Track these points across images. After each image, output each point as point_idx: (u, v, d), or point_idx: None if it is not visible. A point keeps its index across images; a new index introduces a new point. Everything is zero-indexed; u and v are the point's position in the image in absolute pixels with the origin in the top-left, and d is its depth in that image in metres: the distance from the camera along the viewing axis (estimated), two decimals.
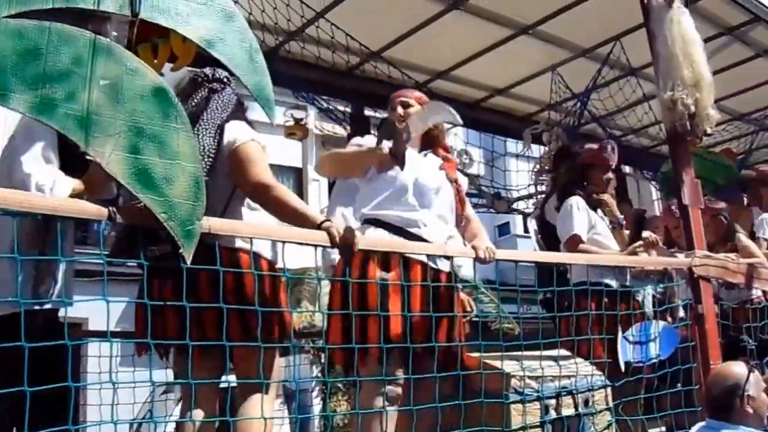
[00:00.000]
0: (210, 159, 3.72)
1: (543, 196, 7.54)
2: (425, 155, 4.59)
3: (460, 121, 4.54)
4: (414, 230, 4.26)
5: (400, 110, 4.41)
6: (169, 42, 3.95)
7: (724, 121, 8.18)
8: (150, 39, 3.81)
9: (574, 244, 5.76)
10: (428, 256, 4.20)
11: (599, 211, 5.97)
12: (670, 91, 5.56)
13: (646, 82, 7.95)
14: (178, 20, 3.12)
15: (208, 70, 4.02)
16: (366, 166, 4.34)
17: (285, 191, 3.79)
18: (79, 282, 3.99)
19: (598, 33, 7.51)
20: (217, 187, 3.68)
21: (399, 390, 4.00)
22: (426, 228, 4.29)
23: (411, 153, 4.48)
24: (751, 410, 4.19)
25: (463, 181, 4.75)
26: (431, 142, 4.66)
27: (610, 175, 6.03)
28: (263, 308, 3.50)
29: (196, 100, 3.90)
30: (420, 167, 4.42)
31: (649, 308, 6.08)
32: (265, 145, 3.94)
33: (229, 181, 3.81)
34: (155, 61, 3.96)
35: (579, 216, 5.87)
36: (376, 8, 6.64)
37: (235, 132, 3.86)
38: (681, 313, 6.64)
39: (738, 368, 4.36)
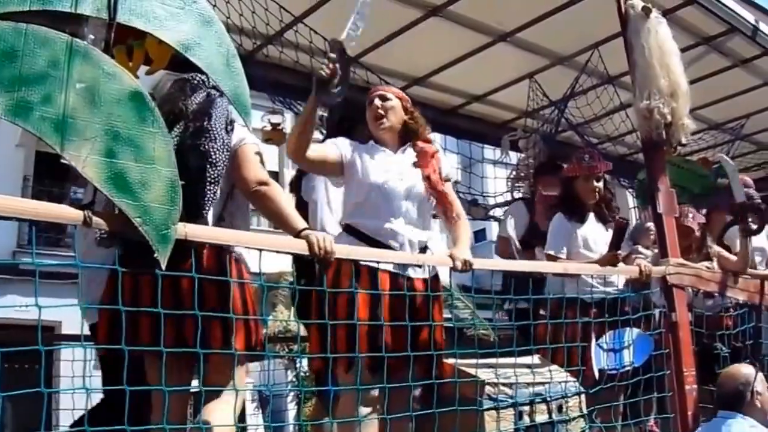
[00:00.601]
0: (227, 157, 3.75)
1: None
2: (404, 151, 4.61)
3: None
4: (381, 239, 4.31)
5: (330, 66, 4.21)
6: (144, 45, 3.92)
7: (701, 130, 8.22)
8: (125, 41, 3.79)
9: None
10: (400, 265, 4.22)
11: (592, 220, 6.00)
12: (646, 100, 5.59)
13: (623, 91, 7.97)
14: (156, 24, 3.11)
15: (202, 76, 4.00)
16: (311, 127, 4.34)
17: (280, 191, 3.83)
18: (53, 284, 3.98)
19: (576, 41, 7.52)
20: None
21: (376, 397, 4.01)
22: (395, 238, 4.31)
23: (383, 154, 4.50)
24: (759, 404, 4.82)
25: (445, 169, 4.75)
26: (410, 136, 4.68)
27: (595, 183, 6.01)
28: (226, 315, 3.50)
29: (197, 101, 3.86)
30: (390, 171, 4.46)
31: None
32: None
33: (227, 180, 3.81)
34: (130, 63, 3.93)
35: (556, 235, 5.96)
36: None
37: (241, 133, 3.87)
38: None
39: (747, 368, 5.06)
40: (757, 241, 6.91)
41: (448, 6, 6.75)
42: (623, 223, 5.87)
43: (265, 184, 3.76)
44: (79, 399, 3.43)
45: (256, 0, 6.20)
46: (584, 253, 5.83)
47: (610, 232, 5.74)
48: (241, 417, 3.96)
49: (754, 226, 6.47)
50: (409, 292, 4.19)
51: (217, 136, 3.71)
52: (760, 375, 4.98)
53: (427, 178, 4.53)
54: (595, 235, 5.95)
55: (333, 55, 4.13)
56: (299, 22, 6.61)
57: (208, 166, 3.61)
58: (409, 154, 4.63)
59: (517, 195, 8.30)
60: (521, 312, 5.48)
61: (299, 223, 3.73)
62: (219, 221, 3.79)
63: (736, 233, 6.67)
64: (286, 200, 3.89)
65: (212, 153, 3.64)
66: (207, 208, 3.58)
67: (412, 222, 4.44)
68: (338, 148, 4.55)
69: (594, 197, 6.01)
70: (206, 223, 3.57)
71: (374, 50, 7.25)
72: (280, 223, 3.78)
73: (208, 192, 3.59)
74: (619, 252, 5.70)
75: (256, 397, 12.00)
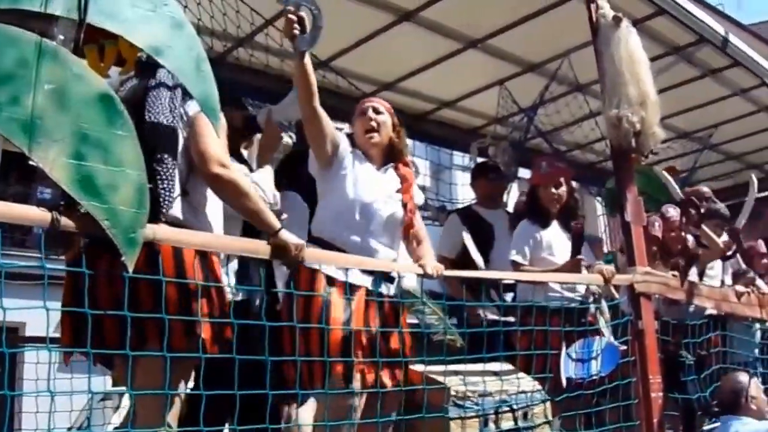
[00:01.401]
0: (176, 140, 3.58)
1: None
2: (386, 171, 4.59)
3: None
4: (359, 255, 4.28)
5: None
6: (116, 44, 3.88)
7: (669, 139, 8.24)
8: (97, 41, 3.75)
9: (514, 268, 5.89)
10: (373, 281, 4.20)
11: (556, 227, 6.03)
12: (615, 108, 5.61)
13: (593, 99, 8.00)
14: (126, 26, 3.09)
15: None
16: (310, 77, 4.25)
17: (244, 179, 3.69)
18: (17, 285, 3.94)
19: (547, 49, 7.54)
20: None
21: (354, 405, 3.99)
22: (373, 256, 4.31)
23: (370, 173, 4.47)
24: (754, 407, 5.37)
25: (419, 198, 4.75)
26: (394, 156, 4.66)
27: (554, 189, 6.05)
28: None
29: (128, 95, 3.72)
30: (376, 191, 4.43)
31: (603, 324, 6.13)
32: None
33: (184, 158, 3.63)
34: (101, 63, 3.90)
35: (521, 242, 6.01)
36: (326, 17, 6.60)
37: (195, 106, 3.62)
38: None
39: (742, 376, 5.65)
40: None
41: (419, 12, 6.74)
42: (580, 227, 5.91)
43: (225, 167, 3.54)
44: (43, 402, 3.40)
45: (227, 2, 6.16)
46: (549, 260, 5.87)
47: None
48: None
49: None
50: (381, 309, 4.22)
51: (158, 125, 3.51)
52: (754, 380, 5.58)
53: (404, 206, 4.54)
54: (559, 241, 5.99)
55: (290, 8, 4.04)
56: (270, 25, 6.58)
57: (155, 164, 3.39)
58: (391, 175, 4.61)
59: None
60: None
61: (275, 221, 3.67)
62: (184, 195, 3.59)
63: None
64: (254, 192, 3.73)
65: (158, 150, 3.44)
66: (165, 210, 3.42)
67: (386, 245, 4.44)
68: (342, 137, 4.52)
69: (555, 204, 6.05)
70: (172, 220, 3.47)
71: (345, 54, 7.23)
72: (252, 218, 3.65)
73: (163, 192, 3.39)
74: (581, 257, 5.74)
75: None
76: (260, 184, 4.76)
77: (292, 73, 4.28)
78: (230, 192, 3.60)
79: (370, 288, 4.23)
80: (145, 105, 3.55)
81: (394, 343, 4.26)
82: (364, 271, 4.23)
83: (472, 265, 6.40)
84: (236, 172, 3.65)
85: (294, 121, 4.72)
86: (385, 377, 4.15)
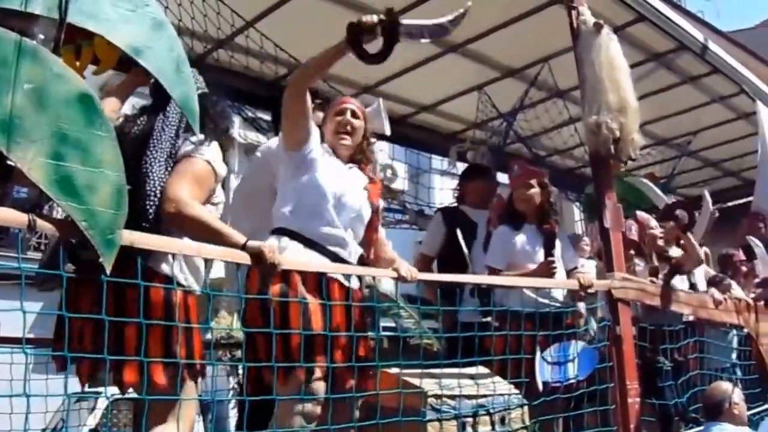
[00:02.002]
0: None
1: None
2: (350, 168, 4.56)
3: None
4: (335, 249, 4.25)
5: None
6: (92, 45, 3.87)
7: (648, 145, 8.29)
8: (73, 41, 3.73)
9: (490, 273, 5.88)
10: (344, 276, 4.19)
11: (532, 230, 6.03)
12: (595, 115, 5.61)
13: (572, 105, 8.02)
14: (107, 26, 3.07)
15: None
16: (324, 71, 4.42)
17: (201, 210, 3.60)
18: None
19: (527, 54, 7.56)
20: None
21: (318, 409, 3.96)
22: (344, 246, 4.28)
23: (338, 166, 4.45)
24: (737, 412, 5.58)
25: (382, 203, 4.75)
26: (361, 157, 4.64)
27: (525, 190, 6.05)
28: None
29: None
30: (346, 184, 4.39)
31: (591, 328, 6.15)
32: (216, 170, 3.78)
33: None
34: (77, 63, 3.88)
35: (497, 246, 6.01)
36: (306, 20, 6.60)
37: (194, 146, 3.72)
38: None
39: (725, 384, 5.90)
40: None
41: (399, 16, 6.74)
42: (550, 228, 5.92)
43: (179, 202, 3.52)
44: (18, 403, 3.37)
45: (208, 3, 6.14)
46: (524, 264, 5.85)
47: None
48: None
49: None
50: (354, 302, 4.19)
51: (157, 148, 3.59)
52: (737, 389, 5.82)
53: (375, 211, 4.57)
54: (535, 245, 5.98)
55: (383, 18, 4.06)
56: (250, 27, 6.58)
57: (147, 179, 3.47)
58: (356, 173, 4.58)
59: None
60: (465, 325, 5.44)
61: (239, 237, 3.63)
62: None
63: None
64: (209, 217, 3.65)
65: (150, 167, 3.52)
66: (147, 225, 3.42)
67: (354, 238, 4.41)
68: (315, 127, 4.45)
69: (528, 205, 6.04)
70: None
71: None
72: (215, 240, 3.59)
73: (149, 208, 3.44)
74: (552, 258, 5.74)
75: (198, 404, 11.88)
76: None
77: (322, 55, 4.37)
78: (188, 229, 3.60)
79: (344, 283, 4.21)
80: (148, 142, 3.61)
81: (362, 346, 4.24)
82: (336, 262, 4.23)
83: (455, 262, 6.39)
84: (193, 208, 3.56)
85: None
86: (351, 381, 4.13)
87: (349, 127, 4.57)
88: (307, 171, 4.32)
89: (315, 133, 4.43)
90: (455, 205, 7.26)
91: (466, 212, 6.91)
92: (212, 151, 3.75)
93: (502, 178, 8.07)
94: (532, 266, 5.79)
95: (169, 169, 3.61)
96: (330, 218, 4.26)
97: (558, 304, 5.78)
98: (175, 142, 3.68)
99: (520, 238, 5.95)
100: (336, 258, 4.23)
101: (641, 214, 7.27)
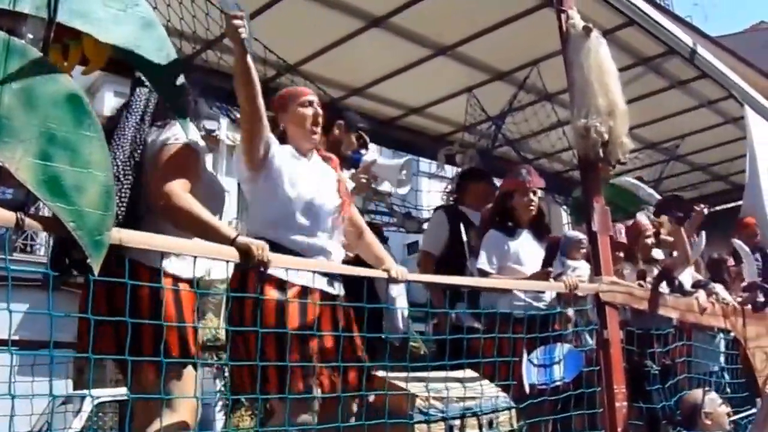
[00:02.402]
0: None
1: None
2: (311, 157, 4.46)
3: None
4: (311, 256, 4.17)
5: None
6: (80, 44, 3.84)
7: (636, 149, 8.29)
8: (61, 40, 3.71)
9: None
10: (327, 282, 4.16)
11: (526, 235, 6.04)
12: (584, 118, 5.61)
13: (561, 108, 8.03)
14: (96, 25, 3.07)
15: None
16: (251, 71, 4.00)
17: (188, 202, 3.59)
18: None
19: (516, 57, 7.56)
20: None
21: (313, 419, 3.94)
22: (325, 254, 4.23)
23: (302, 165, 4.37)
24: (709, 422, 5.56)
25: (350, 184, 4.72)
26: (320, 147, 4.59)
27: (531, 197, 6.07)
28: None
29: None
30: (318, 187, 4.31)
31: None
32: (197, 149, 3.78)
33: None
34: (65, 63, 3.85)
35: (488, 250, 5.98)
36: (295, 22, 6.60)
37: (171, 131, 3.72)
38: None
39: (696, 393, 5.84)
40: None
41: (389, 18, 6.75)
42: (555, 239, 5.93)
43: (167, 198, 3.56)
44: (3, 405, 3.34)
45: (196, 4, 6.13)
46: (516, 269, 5.85)
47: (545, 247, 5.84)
48: None
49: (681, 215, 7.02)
50: (337, 311, 4.18)
51: (121, 135, 3.60)
52: (710, 396, 5.74)
53: (337, 186, 4.47)
54: (528, 250, 5.98)
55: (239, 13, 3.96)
56: None
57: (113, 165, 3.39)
58: (316, 160, 4.49)
59: None
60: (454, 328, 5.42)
61: (229, 231, 3.64)
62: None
63: None
64: (199, 210, 3.63)
65: (114, 152, 3.52)
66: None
67: (335, 239, 4.37)
68: (271, 135, 4.26)
69: (529, 212, 6.06)
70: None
71: (314, 59, 7.22)
72: (208, 237, 3.59)
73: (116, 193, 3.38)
74: (550, 269, 5.75)
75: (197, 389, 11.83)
76: None
77: (234, 71, 4.03)
78: (178, 221, 3.60)
79: (326, 290, 4.18)
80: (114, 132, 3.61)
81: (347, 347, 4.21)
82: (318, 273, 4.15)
83: (457, 262, 6.40)
84: (184, 200, 3.59)
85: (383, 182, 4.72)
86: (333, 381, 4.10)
87: (320, 119, 4.47)
88: (274, 186, 4.20)
89: (273, 143, 4.26)
90: (454, 204, 7.26)
91: (466, 212, 6.90)
92: (186, 131, 3.72)
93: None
94: (526, 273, 5.80)
95: (136, 155, 3.61)
96: (304, 228, 4.18)
97: (544, 307, 5.79)
98: (140, 127, 3.68)
99: (515, 245, 5.94)
100: None
101: (642, 221, 7.30)
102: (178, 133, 3.70)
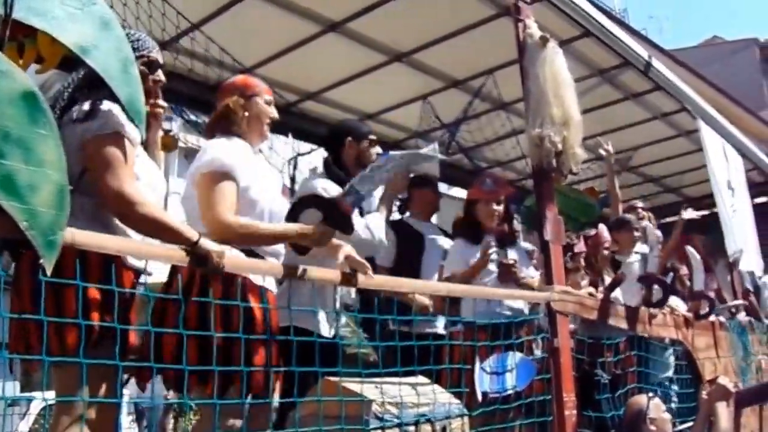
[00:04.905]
0: None
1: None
2: (257, 151, 4.43)
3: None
4: (266, 255, 4.16)
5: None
6: (36, 43, 3.80)
7: (589, 160, 8.36)
8: (16, 38, 3.66)
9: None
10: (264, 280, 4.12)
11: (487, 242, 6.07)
12: (538, 128, 5.64)
13: (516, 117, 8.08)
14: (54, 24, 3.02)
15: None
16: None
17: (155, 210, 3.48)
18: None
19: (472, 66, 7.59)
20: None
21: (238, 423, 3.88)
22: (277, 256, 4.21)
23: (262, 166, 4.33)
24: (654, 427, 5.43)
25: None
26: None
27: (494, 206, 6.13)
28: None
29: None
30: (272, 189, 4.29)
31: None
32: (128, 135, 3.54)
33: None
34: (21, 61, 3.81)
35: (454, 259, 6.10)
36: (252, 25, 6.58)
37: (101, 119, 3.49)
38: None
39: (641, 399, 5.68)
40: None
41: (346, 23, 6.75)
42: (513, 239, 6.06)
43: (128, 206, 3.40)
44: None
45: (153, 4, 6.08)
46: (483, 279, 5.89)
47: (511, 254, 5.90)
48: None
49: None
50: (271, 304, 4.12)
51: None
52: (654, 402, 5.60)
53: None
54: (492, 257, 6.00)
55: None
56: (196, 30, 6.52)
57: None
58: (266, 165, 4.49)
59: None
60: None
61: (191, 233, 3.54)
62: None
63: None
64: (163, 216, 3.51)
65: None
66: None
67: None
68: (238, 169, 4.06)
69: (493, 221, 6.12)
70: None
71: (269, 63, 7.20)
72: (170, 240, 3.50)
73: None
74: (512, 260, 5.83)
75: (133, 409, 11.78)
76: (371, 227, 5.08)
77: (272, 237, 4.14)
78: (140, 228, 3.51)
79: (266, 287, 4.12)
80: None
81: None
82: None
83: (408, 275, 6.38)
84: (147, 208, 3.45)
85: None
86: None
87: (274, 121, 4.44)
88: (242, 202, 4.09)
89: (242, 178, 4.09)
90: (399, 218, 7.21)
91: (411, 224, 6.88)
92: (114, 116, 3.51)
93: (442, 188, 8.11)
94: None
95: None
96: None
97: (509, 313, 5.83)
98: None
99: (479, 252, 5.97)
100: None
101: (602, 232, 7.39)
102: (109, 120, 3.50)
